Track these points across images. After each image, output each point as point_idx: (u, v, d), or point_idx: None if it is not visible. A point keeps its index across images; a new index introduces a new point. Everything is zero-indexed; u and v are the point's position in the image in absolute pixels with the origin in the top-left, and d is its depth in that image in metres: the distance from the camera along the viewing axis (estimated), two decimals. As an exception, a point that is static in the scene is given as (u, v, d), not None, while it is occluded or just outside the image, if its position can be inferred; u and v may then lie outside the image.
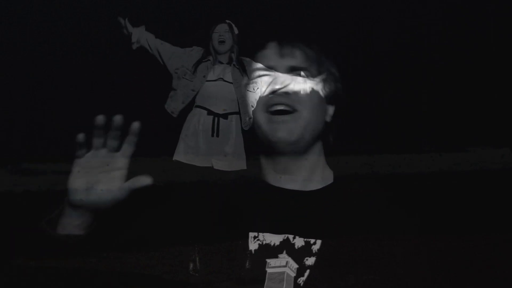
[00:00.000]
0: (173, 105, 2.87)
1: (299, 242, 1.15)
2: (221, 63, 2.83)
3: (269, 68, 1.24)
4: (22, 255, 1.06)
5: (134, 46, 2.89)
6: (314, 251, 1.13)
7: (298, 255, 1.12)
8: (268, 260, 1.13)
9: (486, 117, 2.78)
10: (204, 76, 2.80)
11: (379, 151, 2.52)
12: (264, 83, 1.24)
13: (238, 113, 2.73)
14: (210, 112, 2.77)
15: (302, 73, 1.24)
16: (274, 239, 1.15)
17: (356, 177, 1.32)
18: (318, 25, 2.94)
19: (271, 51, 1.26)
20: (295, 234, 1.14)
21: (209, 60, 2.81)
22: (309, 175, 1.22)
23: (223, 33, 2.80)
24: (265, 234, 1.15)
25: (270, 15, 3.11)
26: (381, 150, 2.56)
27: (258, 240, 1.15)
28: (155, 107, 2.97)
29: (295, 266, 1.13)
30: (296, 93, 1.22)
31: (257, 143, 1.26)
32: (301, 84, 1.23)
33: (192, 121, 2.82)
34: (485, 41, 2.87)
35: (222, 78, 2.79)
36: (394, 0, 2.87)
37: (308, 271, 1.12)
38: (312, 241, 1.14)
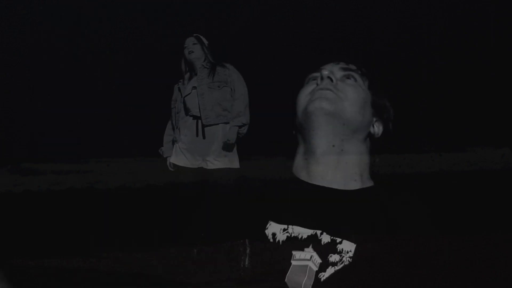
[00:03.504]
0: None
1: (325, 238, 1.16)
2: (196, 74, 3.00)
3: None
4: (22, 255, 1.06)
5: None
6: (338, 250, 1.14)
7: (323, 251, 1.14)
8: (293, 252, 1.15)
9: (486, 117, 2.79)
10: (180, 97, 2.99)
11: (379, 151, 2.52)
12: None
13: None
14: (194, 117, 2.91)
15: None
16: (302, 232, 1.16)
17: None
18: (318, 24, 2.94)
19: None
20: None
21: (181, 81, 2.99)
22: None
23: (191, 46, 3.00)
24: (294, 227, 1.17)
25: (270, 15, 3.11)
26: (381, 150, 2.56)
27: (287, 232, 1.16)
28: (156, 108, 2.97)
29: (319, 261, 1.14)
30: None
31: None
32: None
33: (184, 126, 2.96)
34: (486, 41, 2.87)
35: (194, 87, 2.95)
36: (394, 0, 2.87)
37: (330, 267, 1.13)
38: (338, 240, 1.15)
